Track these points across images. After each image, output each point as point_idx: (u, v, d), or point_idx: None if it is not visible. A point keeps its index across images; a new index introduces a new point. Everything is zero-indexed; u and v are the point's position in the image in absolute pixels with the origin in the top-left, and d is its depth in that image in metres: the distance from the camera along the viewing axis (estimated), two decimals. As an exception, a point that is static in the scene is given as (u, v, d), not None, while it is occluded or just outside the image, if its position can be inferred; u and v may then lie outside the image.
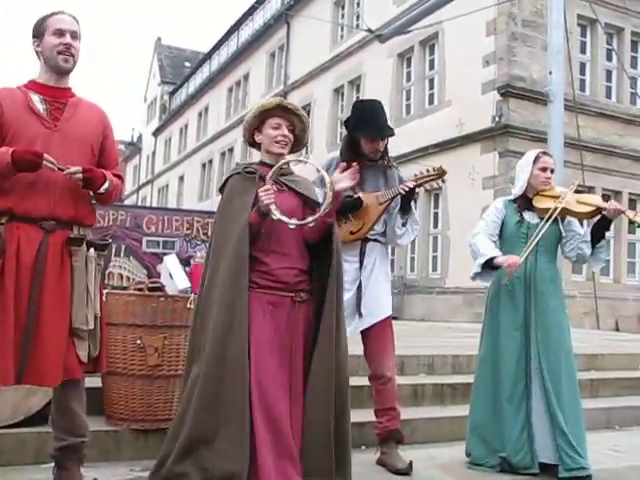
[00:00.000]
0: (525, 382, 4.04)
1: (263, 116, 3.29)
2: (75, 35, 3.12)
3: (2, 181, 2.93)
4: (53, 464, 3.22)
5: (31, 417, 3.82)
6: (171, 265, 4.46)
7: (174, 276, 4.32)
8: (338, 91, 23.04)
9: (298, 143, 3.37)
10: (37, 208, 2.98)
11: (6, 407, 3.58)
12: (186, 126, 39.05)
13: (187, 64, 44.65)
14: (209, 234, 13.81)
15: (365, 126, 4.00)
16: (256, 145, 3.38)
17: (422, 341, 8.03)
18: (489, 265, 4.08)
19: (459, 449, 4.33)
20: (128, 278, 13.03)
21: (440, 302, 16.57)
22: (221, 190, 3.34)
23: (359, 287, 3.99)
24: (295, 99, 22.58)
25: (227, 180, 3.33)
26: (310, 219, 3.07)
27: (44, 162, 2.90)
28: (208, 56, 36.99)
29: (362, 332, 4.03)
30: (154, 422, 3.89)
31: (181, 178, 38.79)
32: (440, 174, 4.00)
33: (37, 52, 3.14)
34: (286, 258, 3.17)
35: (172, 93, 43.37)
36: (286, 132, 3.26)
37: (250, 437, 2.90)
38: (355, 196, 3.97)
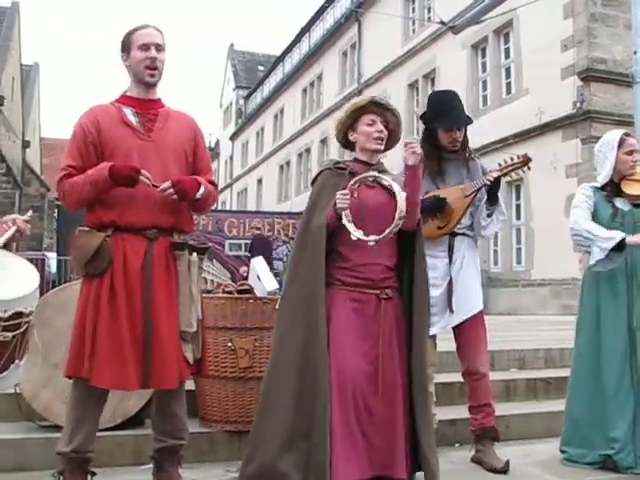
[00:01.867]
0: (631, 377, 3.86)
1: (356, 114, 3.30)
2: (160, 47, 3.18)
3: (102, 194, 3.02)
4: (151, 465, 3.29)
5: (128, 420, 3.94)
6: (259, 267, 4.49)
7: (262, 278, 4.34)
8: (413, 86, 22.87)
9: (393, 138, 3.35)
10: (139, 219, 3.06)
11: (105, 411, 3.66)
12: (262, 129, 39.49)
13: (260, 68, 45.11)
14: (290, 235, 14.01)
15: (441, 117, 3.96)
16: (350, 145, 3.38)
17: (511, 335, 7.86)
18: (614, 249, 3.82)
19: (554, 445, 4.20)
20: (212, 281, 13.30)
21: (526, 295, 16.21)
22: (312, 184, 3.38)
23: (449, 283, 3.93)
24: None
25: (318, 175, 3.36)
26: (372, 237, 3.05)
27: (141, 177, 2.97)
28: (281, 59, 37.28)
29: (454, 328, 3.96)
30: (247, 424, 3.87)
31: (259, 181, 39.24)
32: (525, 161, 3.90)
33: (126, 66, 3.22)
34: (372, 254, 3.15)
35: (247, 97, 43.92)
36: (381, 127, 3.26)
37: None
38: (435, 194, 3.92)
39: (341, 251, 3.15)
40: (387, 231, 3.05)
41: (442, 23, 14.43)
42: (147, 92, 3.22)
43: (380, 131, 3.26)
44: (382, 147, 3.30)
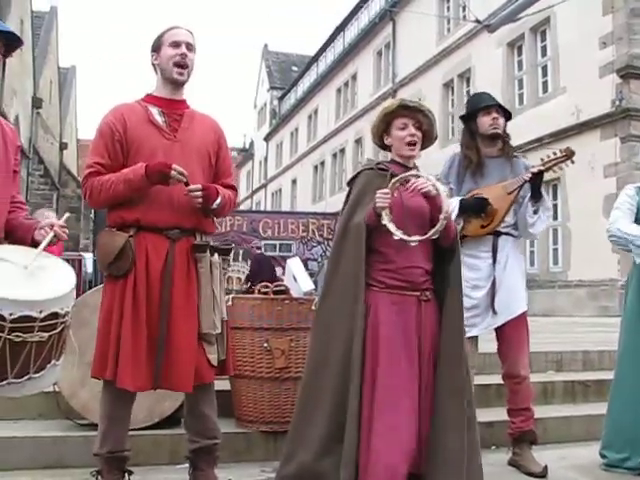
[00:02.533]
0: None
1: (388, 119, 3.28)
2: (190, 47, 3.20)
3: (136, 193, 3.03)
4: (187, 465, 3.31)
5: (165, 420, 3.97)
6: (295, 268, 4.49)
7: (298, 279, 4.34)
8: (448, 85, 22.72)
9: (427, 139, 3.33)
10: (162, 219, 3.07)
11: (141, 410, 3.71)
12: (296, 129, 39.56)
13: (294, 68, 45.20)
14: (325, 235, 13.99)
15: (478, 102, 4.02)
16: (387, 147, 3.37)
17: (548, 337, 7.75)
18: None
19: (593, 450, 4.14)
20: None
21: (563, 296, 16.01)
22: (349, 184, 3.35)
23: (493, 284, 3.88)
24: (404, 96, 22.38)
25: (357, 175, 3.34)
26: (415, 238, 3.03)
27: (172, 172, 2.98)
28: (315, 59, 37.30)
29: (496, 329, 3.93)
30: (283, 424, 3.90)
31: (294, 181, 39.31)
32: (568, 155, 3.84)
33: (154, 65, 3.24)
34: (414, 256, 3.13)
35: (281, 98, 44.03)
36: (413, 131, 3.23)
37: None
38: (477, 193, 3.88)
39: (384, 252, 3.13)
40: (432, 231, 3.03)
41: (477, 22, 14.31)
42: (174, 92, 3.23)
43: (412, 135, 3.23)
44: (415, 152, 3.27)
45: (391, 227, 3.00)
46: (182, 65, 3.17)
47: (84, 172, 3.14)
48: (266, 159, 46.15)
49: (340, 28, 33.19)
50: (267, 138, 45.74)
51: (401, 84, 25.64)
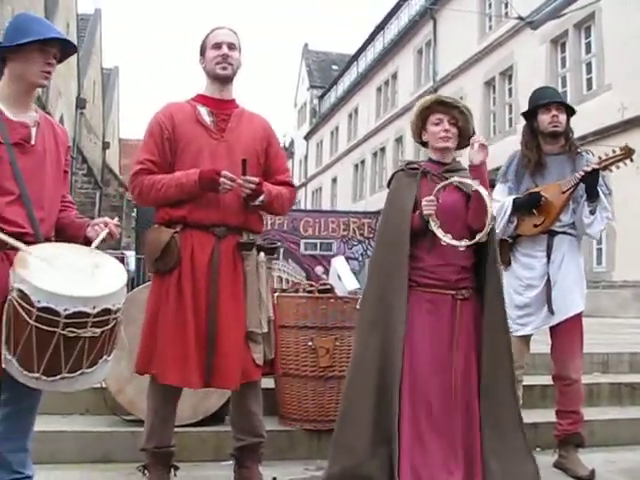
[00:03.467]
0: None
1: (424, 115, 3.31)
2: (233, 46, 3.23)
3: (186, 197, 3.07)
4: (232, 462, 3.34)
5: (209, 417, 4.01)
6: (339, 267, 4.49)
7: (343, 278, 4.35)
8: (489, 84, 22.49)
9: (464, 136, 3.31)
10: (208, 216, 3.10)
11: (186, 407, 3.74)
12: (337, 128, 39.54)
13: (334, 67, 45.19)
14: (365, 234, 13.97)
15: (539, 99, 3.93)
16: (426, 144, 3.38)
17: (593, 338, 7.60)
18: None
19: (640, 453, 4.08)
20: (287, 280, 13.38)
21: (607, 297, 15.73)
22: (388, 186, 3.39)
23: (547, 282, 3.83)
24: (445, 94, 22.25)
25: (392, 177, 3.37)
26: (463, 243, 3.05)
27: (222, 179, 3.00)
28: (355, 58, 37.24)
29: (550, 329, 3.88)
30: (326, 423, 3.91)
31: (334, 180, 39.31)
32: (627, 153, 3.72)
33: (202, 69, 3.29)
34: (447, 254, 3.13)
35: (321, 97, 44.06)
36: (447, 126, 3.24)
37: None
38: (533, 190, 3.84)
39: (417, 254, 3.14)
40: (478, 236, 3.04)
41: (520, 18, 14.16)
42: (222, 90, 3.26)
43: (446, 130, 3.24)
44: (449, 145, 3.27)
45: (439, 233, 3.03)
46: (224, 63, 3.20)
47: (133, 168, 3.18)
48: (306, 158, 46.22)
49: (380, 27, 33.09)
50: (307, 137, 45.80)
51: (442, 82, 25.46)
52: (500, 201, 3.80)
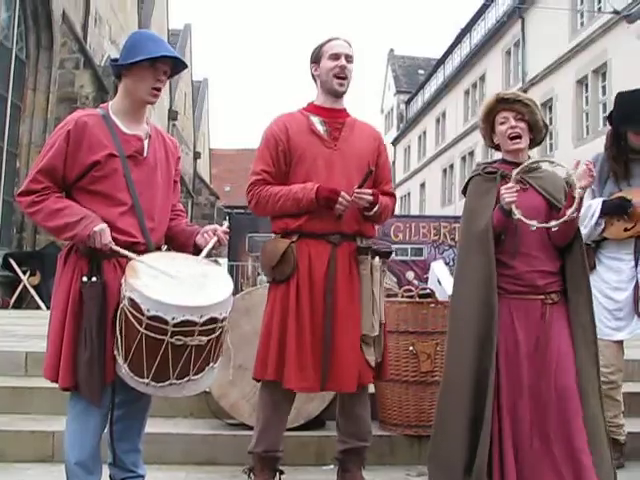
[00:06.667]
0: None
1: (490, 117, 3.26)
2: (349, 58, 3.29)
3: (302, 211, 3.14)
4: (333, 466, 3.36)
5: (311, 421, 4.06)
6: (439, 271, 4.47)
7: (442, 282, 4.32)
8: (581, 82, 21.85)
9: (535, 130, 3.24)
10: (324, 226, 3.16)
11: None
12: (424, 133, 39.27)
13: (421, 72, 44.93)
14: (457, 239, 13.82)
15: (631, 119, 3.78)
16: (498, 147, 3.33)
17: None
18: None
19: None
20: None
21: None
22: (464, 192, 3.35)
23: (636, 286, 3.74)
24: (535, 95, 21.77)
25: (468, 182, 3.32)
26: (553, 223, 2.95)
27: (340, 199, 3.06)
28: (441, 61, 36.91)
29: None
30: (427, 428, 3.86)
31: (422, 185, 39.04)
32: None
33: (314, 76, 3.35)
34: (534, 260, 3.07)
35: (408, 102, 43.86)
36: (514, 123, 3.18)
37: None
38: (621, 195, 3.74)
39: (503, 260, 3.08)
40: (569, 211, 2.92)
41: (615, 12, 13.73)
42: (334, 101, 3.31)
43: (513, 127, 3.17)
44: (521, 146, 3.19)
45: (524, 219, 2.94)
46: (342, 77, 3.25)
47: (250, 178, 3.27)
48: (394, 163, 46.05)
49: (466, 29, 32.69)
50: (395, 142, 45.66)
51: (532, 83, 24.92)
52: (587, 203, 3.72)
